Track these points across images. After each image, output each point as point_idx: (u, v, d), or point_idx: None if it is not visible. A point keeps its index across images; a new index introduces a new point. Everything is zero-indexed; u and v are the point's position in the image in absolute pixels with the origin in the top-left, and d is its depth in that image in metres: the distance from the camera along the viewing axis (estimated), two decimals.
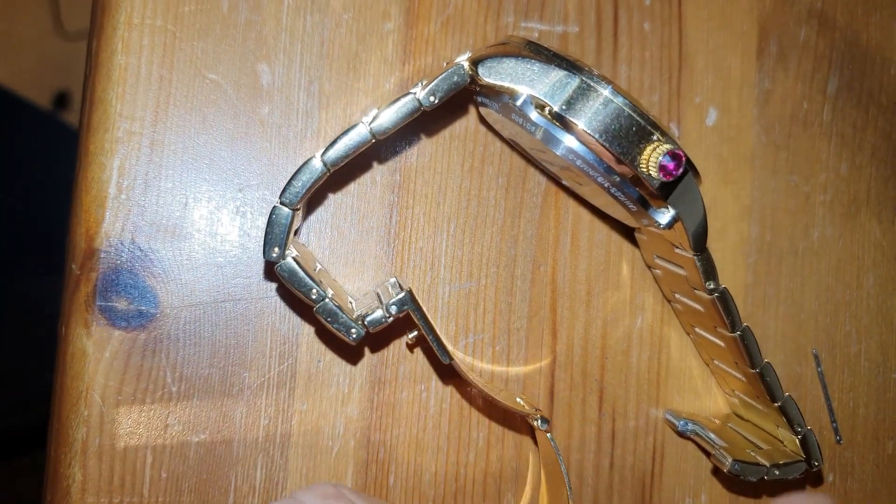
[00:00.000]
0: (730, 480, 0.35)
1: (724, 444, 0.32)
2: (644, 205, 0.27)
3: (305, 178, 0.26)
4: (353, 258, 0.32)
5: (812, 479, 0.37)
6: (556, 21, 0.34)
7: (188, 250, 0.30)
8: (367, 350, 0.32)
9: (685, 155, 0.26)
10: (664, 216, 0.27)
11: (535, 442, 0.33)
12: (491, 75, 0.26)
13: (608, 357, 0.34)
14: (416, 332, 0.29)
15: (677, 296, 0.33)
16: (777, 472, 0.31)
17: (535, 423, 0.30)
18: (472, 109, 0.33)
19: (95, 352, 0.29)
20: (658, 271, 0.33)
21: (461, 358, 0.33)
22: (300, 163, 0.27)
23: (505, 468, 0.33)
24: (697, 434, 0.33)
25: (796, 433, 0.31)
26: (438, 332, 0.28)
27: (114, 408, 0.29)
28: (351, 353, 0.31)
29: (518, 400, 0.31)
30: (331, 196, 0.32)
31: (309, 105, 0.32)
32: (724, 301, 0.29)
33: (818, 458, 0.32)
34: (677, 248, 0.29)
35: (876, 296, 0.38)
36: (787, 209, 0.37)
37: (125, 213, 0.30)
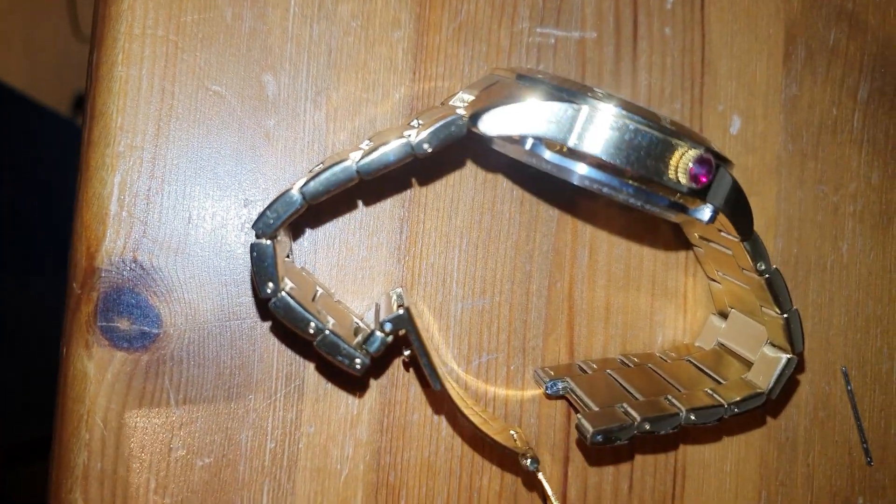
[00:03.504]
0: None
1: (596, 407, 0.29)
2: (681, 209, 0.26)
3: (280, 210, 0.25)
4: (361, 274, 0.31)
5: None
6: (574, 27, 0.33)
7: (192, 268, 0.29)
8: (375, 371, 0.31)
9: (713, 155, 0.25)
10: (704, 213, 0.26)
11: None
12: (493, 128, 0.25)
13: None
14: (410, 351, 0.28)
15: (721, 274, 0.31)
16: (693, 418, 0.29)
17: (525, 463, 0.28)
18: None
19: (97, 373, 0.28)
20: (701, 250, 0.32)
21: (471, 381, 0.31)
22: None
23: (520, 492, 0.32)
24: (570, 392, 0.31)
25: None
26: (433, 354, 0.27)
27: (116, 431, 0.28)
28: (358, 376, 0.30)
29: (511, 433, 0.30)
30: (339, 209, 0.31)
31: (316, 116, 0.31)
32: (776, 282, 0.28)
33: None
34: (722, 230, 0.28)
35: None
36: (815, 221, 0.35)
37: (127, 231, 0.29)
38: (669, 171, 0.24)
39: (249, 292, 0.30)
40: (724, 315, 0.33)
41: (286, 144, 0.30)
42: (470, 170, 0.32)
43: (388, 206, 0.31)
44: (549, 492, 0.29)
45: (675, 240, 0.34)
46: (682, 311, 0.33)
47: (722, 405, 0.29)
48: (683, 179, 0.24)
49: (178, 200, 0.29)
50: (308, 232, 0.31)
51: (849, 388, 0.35)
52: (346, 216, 0.31)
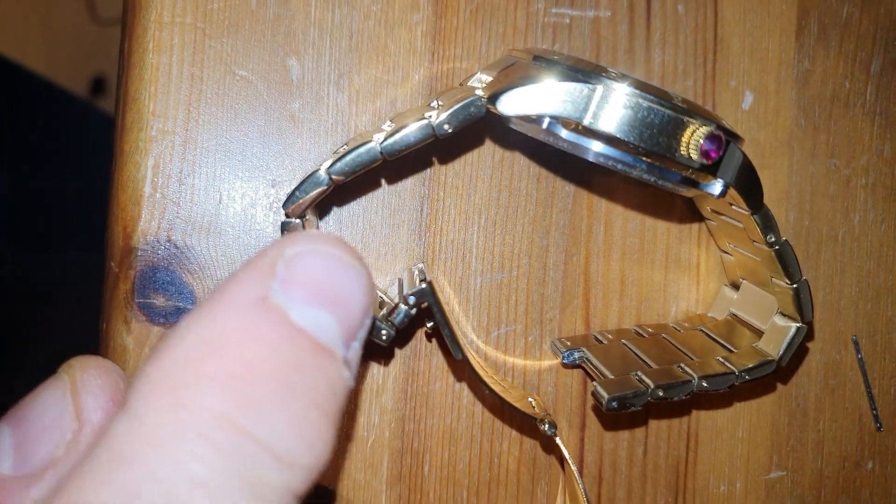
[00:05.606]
0: (762, 467, 0.35)
1: (611, 375, 0.30)
2: (692, 184, 0.27)
3: (309, 190, 0.26)
4: (384, 251, 0.32)
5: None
6: (588, 6, 0.34)
7: (223, 246, 0.31)
8: (399, 342, 0.32)
9: (723, 132, 0.26)
10: (715, 187, 0.27)
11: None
12: (511, 109, 0.26)
13: None
14: (433, 322, 0.29)
15: (732, 246, 0.33)
16: (705, 385, 0.30)
17: (543, 428, 0.29)
18: None
19: (135, 347, 0.30)
20: (713, 223, 0.33)
21: (491, 352, 0.33)
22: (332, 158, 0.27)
23: (538, 456, 0.33)
24: (586, 361, 0.32)
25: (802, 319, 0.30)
26: (454, 326, 0.28)
27: None
28: (384, 346, 0.32)
29: (530, 401, 0.31)
30: (363, 189, 0.32)
31: (339, 99, 0.32)
32: (786, 253, 0.29)
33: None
34: (733, 204, 0.29)
35: None
36: (827, 194, 0.36)
37: (161, 211, 0.30)
38: (681, 148, 0.25)
39: None
40: (735, 286, 0.34)
41: (311, 127, 0.31)
42: (488, 148, 0.33)
43: (410, 184, 0.32)
44: (567, 455, 0.30)
45: (688, 213, 0.35)
46: (696, 282, 0.34)
47: (733, 372, 0.30)
48: (695, 155, 0.25)
49: (209, 182, 0.31)
50: (333, 210, 0.32)
51: (859, 356, 0.36)
52: (370, 195, 0.32)
